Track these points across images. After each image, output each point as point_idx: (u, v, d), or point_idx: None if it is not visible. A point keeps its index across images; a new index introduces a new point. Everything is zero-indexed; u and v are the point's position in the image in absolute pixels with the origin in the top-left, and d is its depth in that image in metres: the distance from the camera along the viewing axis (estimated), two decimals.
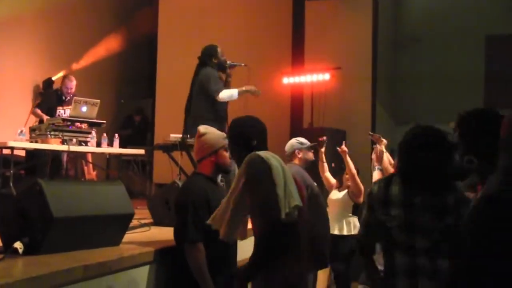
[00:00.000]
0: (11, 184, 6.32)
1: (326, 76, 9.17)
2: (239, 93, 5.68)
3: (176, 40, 10.40)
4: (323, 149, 5.72)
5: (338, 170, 6.60)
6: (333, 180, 6.29)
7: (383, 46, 10.33)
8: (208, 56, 5.98)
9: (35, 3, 9.31)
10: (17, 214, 3.46)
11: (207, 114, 5.71)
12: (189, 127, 5.72)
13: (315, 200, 4.75)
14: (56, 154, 7.30)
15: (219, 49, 6.01)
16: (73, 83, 7.76)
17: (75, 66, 10.11)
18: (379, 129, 9.83)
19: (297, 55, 9.96)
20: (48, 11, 9.61)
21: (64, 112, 7.59)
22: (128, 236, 3.94)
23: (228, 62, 5.95)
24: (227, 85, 5.90)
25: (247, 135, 3.17)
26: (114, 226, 3.77)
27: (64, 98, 7.68)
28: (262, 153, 3.02)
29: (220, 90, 5.67)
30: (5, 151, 6.77)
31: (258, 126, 3.25)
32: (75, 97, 7.08)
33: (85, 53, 10.40)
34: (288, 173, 3.00)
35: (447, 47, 11.17)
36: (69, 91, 7.70)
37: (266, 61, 9.63)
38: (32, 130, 6.91)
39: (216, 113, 5.73)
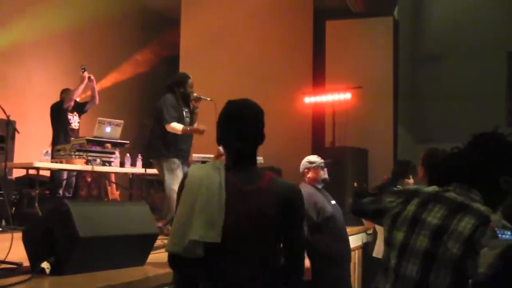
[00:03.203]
0: (36, 204, 6.41)
1: (347, 95, 9.17)
2: (182, 131, 5.70)
3: (197, 60, 10.49)
4: None
5: (361, 190, 6.55)
6: None
7: (404, 64, 10.34)
8: (176, 84, 5.99)
9: (62, 25, 9.47)
10: (44, 234, 3.50)
11: (156, 140, 5.79)
12: (145, 150, 5.85)
13: (327, 223, 4.66)
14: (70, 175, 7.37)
15: (189, 80, 6.00)
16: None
17: (99, 87, 10.25)
18: (401, 147, 9.82)
19: (318, 75, 9.98)
20: (74, 32, 9.77)
21: (72, 117, 7.65)
22: (152, 256, 3.96)
23: (195, 95, 5.93)
24: (193, 116, 5.96)
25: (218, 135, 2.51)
26: (139, 246, 3.79)
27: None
28: (195, 167, 2.50)
29: (171, 120, 5.70)
30: (31, 171, 6.89)
31: (223, 119, 2.48)
32: (99, 118, 7.17)
33: (108, 74, 10.54)
34: (209, 196, 2.30)
35: (468, 64, 11.13)
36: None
37: (287, 80, 9.70)
38: (56, 150, 7.00)
39: (167, 139, 5.74)
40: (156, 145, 5.79)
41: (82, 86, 7.56)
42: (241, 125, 2.41)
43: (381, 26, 9.74)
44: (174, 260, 2.33)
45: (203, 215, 2.26)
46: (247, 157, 2.46)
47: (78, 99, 7.77)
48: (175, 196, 5.29)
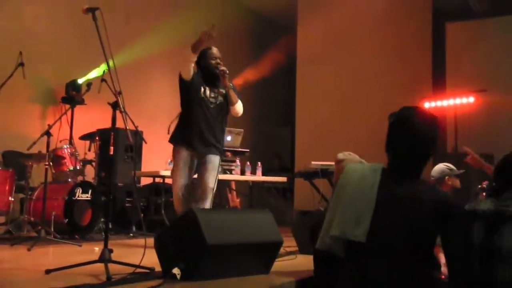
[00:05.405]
0: (162, 211, 6.69)
1: (470, 99, 8.85)
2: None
3: (314, 66, 10.51)
4: None
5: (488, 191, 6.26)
6: None
7: None
8: (199, 58, 5.27)
9: (181, 37, 9.79)
10: (174, 241, 3.65)
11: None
12: None
13: None
14: None
15: (209, 51, 5.30)
16: None
17: None
18: None
19: (438, 79, 9.69)
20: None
21: None
22: (277, 264, 3.99)
23: (222, 68, 5.21)
24: (225, 97, 5.23)
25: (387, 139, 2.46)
26: (263, 254, 3.84)
27: None
28: (351, 165, 2.51)
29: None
30: (157, 180, 7.20)
31: (395, 124, 2.44)
32: None
33: None
34: (359, 195, 2.27)
35: None
36: None
37: (405, 85, 9.47)
38: None
39: (181, 123, 5.16)
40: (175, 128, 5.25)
41: None
42: (411, 133, 2.35)
43: (506, 26, 9.27)
44: (316, 255, 2.40)
45: (349, 212, 2.22)
46: (412, 167, 2.37)
47: None
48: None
